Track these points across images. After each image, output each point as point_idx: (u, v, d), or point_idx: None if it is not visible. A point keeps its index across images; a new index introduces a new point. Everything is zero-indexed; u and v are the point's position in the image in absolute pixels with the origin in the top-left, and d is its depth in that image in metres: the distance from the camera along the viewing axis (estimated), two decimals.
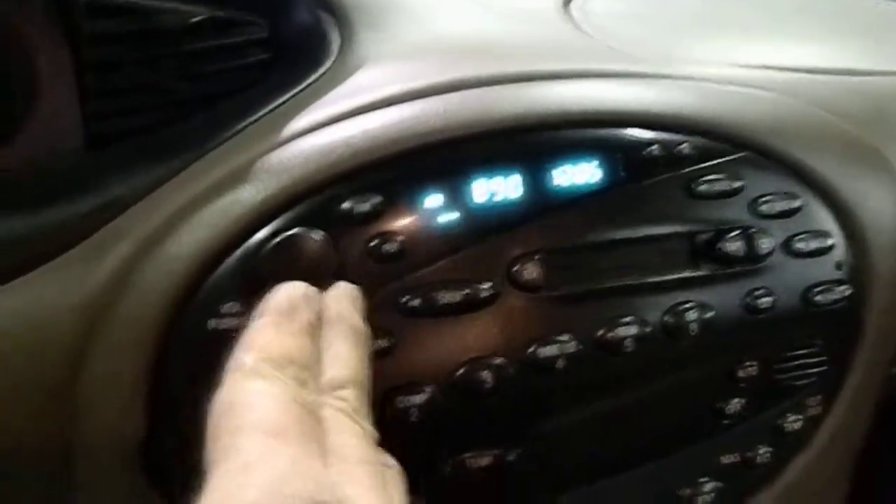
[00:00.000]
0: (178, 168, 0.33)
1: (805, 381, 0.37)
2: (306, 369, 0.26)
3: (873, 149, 0.41)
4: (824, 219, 0.38)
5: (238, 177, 0.33)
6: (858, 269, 0.38)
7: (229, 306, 0.31)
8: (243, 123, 0.34)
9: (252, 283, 0.31)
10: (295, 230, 0.31)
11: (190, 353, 0.30)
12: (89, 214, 0.33)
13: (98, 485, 0.31)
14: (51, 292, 0.32)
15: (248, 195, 0.32)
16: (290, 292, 0.28)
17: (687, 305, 0.34)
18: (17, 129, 0.36)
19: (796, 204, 0.37)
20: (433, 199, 0.33)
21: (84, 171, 0.35)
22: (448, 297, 0.32)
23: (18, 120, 0.36)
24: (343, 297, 0.29)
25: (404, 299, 0.32)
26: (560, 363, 0.33)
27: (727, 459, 0.36)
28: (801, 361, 0.37)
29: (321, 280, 0.31)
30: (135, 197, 0.33)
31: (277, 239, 0.31)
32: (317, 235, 0.31)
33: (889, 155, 0.41)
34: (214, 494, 0.22)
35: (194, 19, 0.35)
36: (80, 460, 0.31)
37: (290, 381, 0.25)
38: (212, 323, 0.30)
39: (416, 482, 0.32)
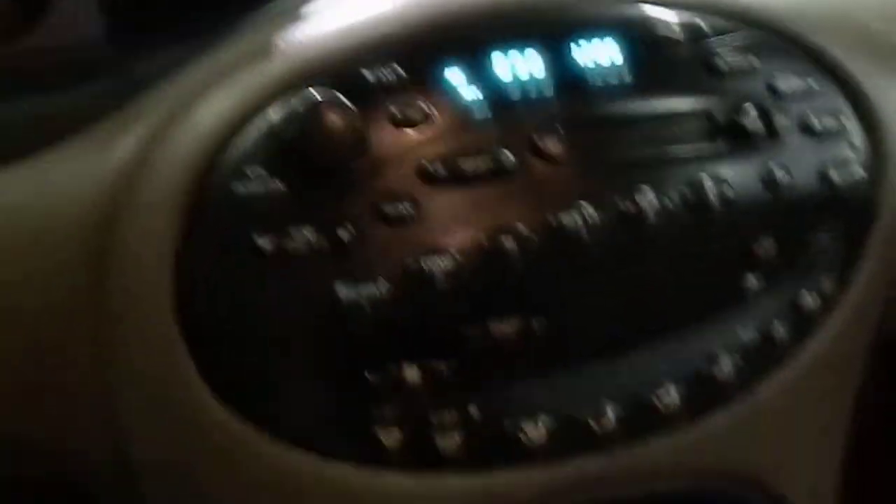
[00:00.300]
0: (200, 48, 0.34)
1: (821, 261, 0.38)
2: None
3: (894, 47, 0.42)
4: (840, 103, 0.38)
5: (261, 52, 0.33)
6: (873, 153, 0.39)
7: (254, 170, 0.31)
8: (263, 6, 0.35)
9: (277, 149, 0.31)
10: (319, 96, 0.31)
11: (217, 217, 0.31)
12: (113, 93, 0.33)
13: (132, 348, 0.31)
14: (75, 166, 0.32)
15: (272, 67, 0.32)
16: None
17: (706, 179, 0.35)
18: (41, 17, 0.36)
19: (813, 85, 0.37)
20: (456, 72, 0.33)
21: (106, 56, 0.35)
22: (471, 165, 0.32)
23: (41, 8, 0.37)
24: None
25: (427, 166, 0.32)
26: (582, 231, 0.33)
27: (745, 336, 0.36)
28: (818, 241, 0.38)
29: (345, 148, 0.31)
30: (158, 76, 0.33)
31: (302, 105, 0.31)
32: (340, 102, 0.31)
33: None
34: None
35: None
36: (112, 326, 0.31)
37: None
38: (238, 187, 0.31)
39: (440, 348, 0.33)
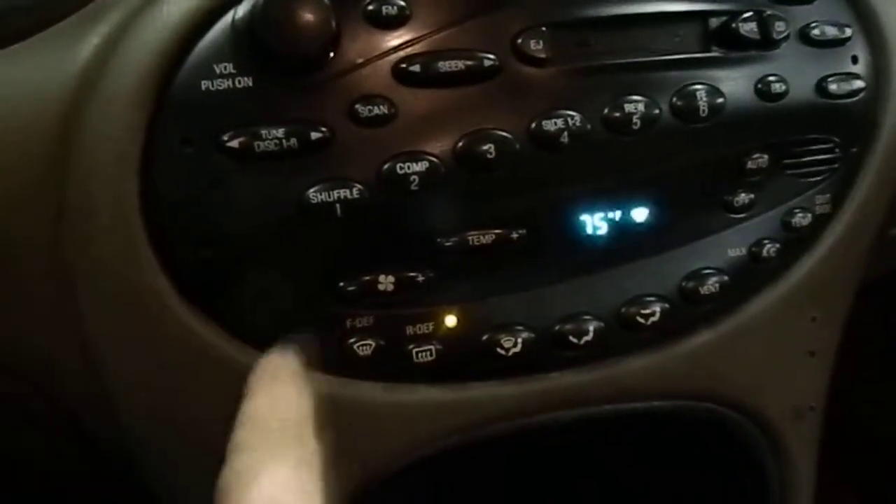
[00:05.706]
0: None
1: (815, 178, 0.36)
2: (300, 424, 0.27)
3: None
4: (843, 11, 0.36)
5: None
6: (876, 67, 0.37)
7: (223, 67, 0.29)
8: None
9: (246, 45, 0.30)
10: None
11: (184, 114, 0.30)
12: None
13: (95, 242, 0.30)
14: (46, 59, 0.31)
15: None
16: (269, 359, 0.28)
17: (697, 87, 0.33)
18: None
19: None
20: None
21: None
22: (449, 65, 0.31)
23: None
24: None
25: (403, 65, 0.30)
26: (565, 138, 0.32)
27: (734, 253, 0.35)
28: (813, 157, 0.36)
29: (317, 43, 0.30)
30: None
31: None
32: None
33: None
34: None
35: None
36: (74, 221, 0.31)
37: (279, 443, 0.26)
38: (205, 84, 0.29)
39: (416, 258, 0.32)
